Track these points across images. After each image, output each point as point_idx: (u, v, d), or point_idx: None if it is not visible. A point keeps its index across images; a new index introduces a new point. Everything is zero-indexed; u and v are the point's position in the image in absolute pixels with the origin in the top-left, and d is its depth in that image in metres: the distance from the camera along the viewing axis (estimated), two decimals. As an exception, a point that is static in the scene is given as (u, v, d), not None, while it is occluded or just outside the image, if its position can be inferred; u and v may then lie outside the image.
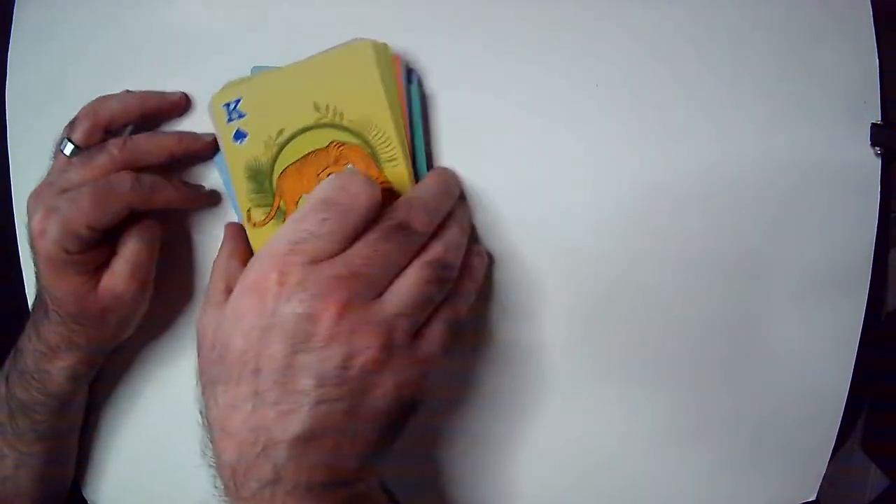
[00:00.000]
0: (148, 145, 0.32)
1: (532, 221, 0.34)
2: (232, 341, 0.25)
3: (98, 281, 0.32)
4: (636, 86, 0.33)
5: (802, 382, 0.35)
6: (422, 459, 0.36)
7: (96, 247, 0.31)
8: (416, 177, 0.31)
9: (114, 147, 0.32)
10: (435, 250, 0.27)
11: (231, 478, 0.25)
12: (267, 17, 0.35)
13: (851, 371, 0.34)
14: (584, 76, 0.33)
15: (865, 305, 0.34)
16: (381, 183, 0.30)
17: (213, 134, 0.33)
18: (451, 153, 0.33)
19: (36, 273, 0.32)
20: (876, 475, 0.37)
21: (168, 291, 0.36)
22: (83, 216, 0.30)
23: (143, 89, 0.35)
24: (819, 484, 0.35)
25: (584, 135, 0.33)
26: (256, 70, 0.33)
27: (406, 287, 0.26)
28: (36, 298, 0.33)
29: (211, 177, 0.36)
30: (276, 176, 0.31)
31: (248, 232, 0.32)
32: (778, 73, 0.33)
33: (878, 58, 0.33)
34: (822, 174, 0.33)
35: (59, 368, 0.33)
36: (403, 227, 0.26)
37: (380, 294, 0.26)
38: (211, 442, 0.26)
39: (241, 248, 0.32)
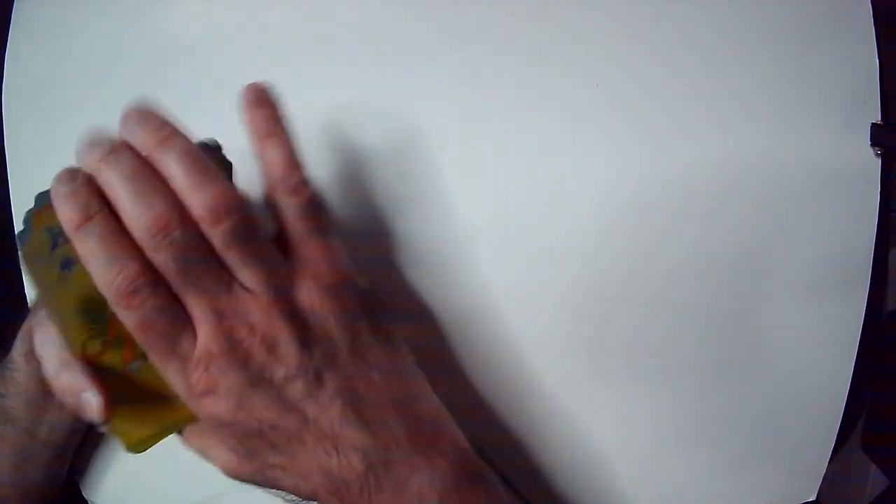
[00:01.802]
0: None
1: (532, 222, 0.34)
2: None
3: None
4: (636, 86, 0.33)
5: (802, 382, 0.35)
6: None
7: None
8: None
9: None
10: None
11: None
12: (267, 17, 0.35)
13: (851, 371, 0.34)
14: (583, 76, 0.33)
15: (865, 305, 0.34)
16: None
17: None
18: (450, 153, 0.33)
19: None
20: (876, 475, 0.37)
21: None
22: None
23: (140, 90, 0.35)
24: (819, 484, 0.35)
25: (584, 135, 0.33)
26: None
27: None
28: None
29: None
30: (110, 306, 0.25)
31: (76, 364, 0.26)
32: (778, 73, 0.33)
33: (878, 58, 0.33)
34: (822, 174, 0.33)
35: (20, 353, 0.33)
36: None
37: None
38: None
39: None
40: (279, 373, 0.24)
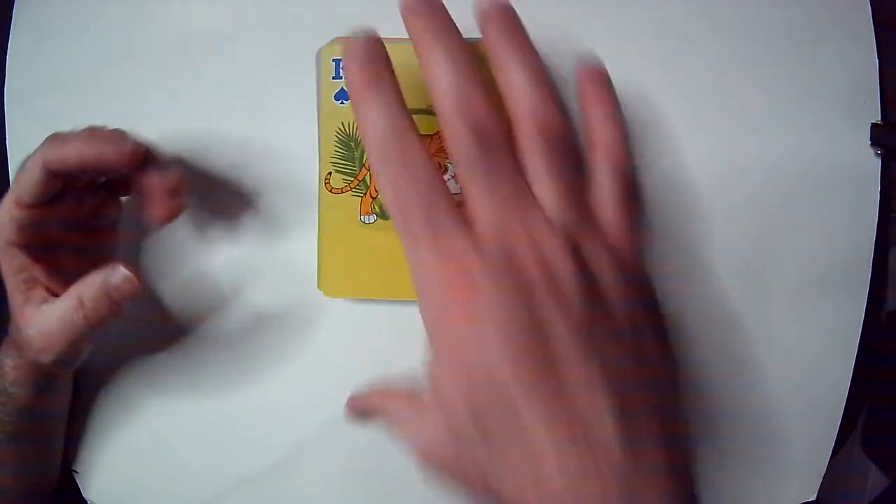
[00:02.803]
0: (66, 141, 0.28)
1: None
2: None
3: (28, 298, 0.30)
4: (636, 86, 0.33)
5: (802, 382, 0.35)
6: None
7: (37, 260, 0.30)
8: None
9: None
10: None
11: None
12: (267, 16, 0.35)
13: (851, 371, 0.34)
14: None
15: (865, 305, 0.34)
16: None
17: (141, 144, 0.30)
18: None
19: None
20: (876, 475, 0.37)
21: (168, 288, 0.36)
22: (10, 194, 0.29)
23: (142, 89, 0.35)
24: (819, 484, 0.35)
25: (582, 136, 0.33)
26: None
27: None
28: None
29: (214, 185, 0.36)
30: None
31: (320, 195, 0.31)
32: (778, 73, 0.33)
33: (878, 58, 0.33)
34: (822, 174, 0.33)
35: (11, 367, 0.31)
36: None
37: None
38: None
39: None
40: (557, 318, 0.19)
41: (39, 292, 0.30)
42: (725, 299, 0.34)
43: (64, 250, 0.32)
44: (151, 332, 0.37)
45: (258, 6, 0.35)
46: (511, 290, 0.19)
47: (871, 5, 0.33)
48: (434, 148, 0.30)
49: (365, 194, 0.30)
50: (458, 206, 0.21)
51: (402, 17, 0.24)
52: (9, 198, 0.29)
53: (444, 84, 0.21)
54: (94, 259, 0.32)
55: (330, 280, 0.31)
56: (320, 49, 0.30)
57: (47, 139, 0.29)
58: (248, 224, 0.36)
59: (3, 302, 0.31)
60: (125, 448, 0.38)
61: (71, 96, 0.37)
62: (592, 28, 0.33)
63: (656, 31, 0.33)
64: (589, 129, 0.26)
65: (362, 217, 0.31)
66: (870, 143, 0.33)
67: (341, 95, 0.30)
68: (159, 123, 0.36)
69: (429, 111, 0.29)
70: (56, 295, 0.30)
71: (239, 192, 0.36)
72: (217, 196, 0.36)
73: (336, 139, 0.30)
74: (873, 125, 0.33)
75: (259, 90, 0.35)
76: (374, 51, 0.23)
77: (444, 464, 0.21)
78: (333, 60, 0.30)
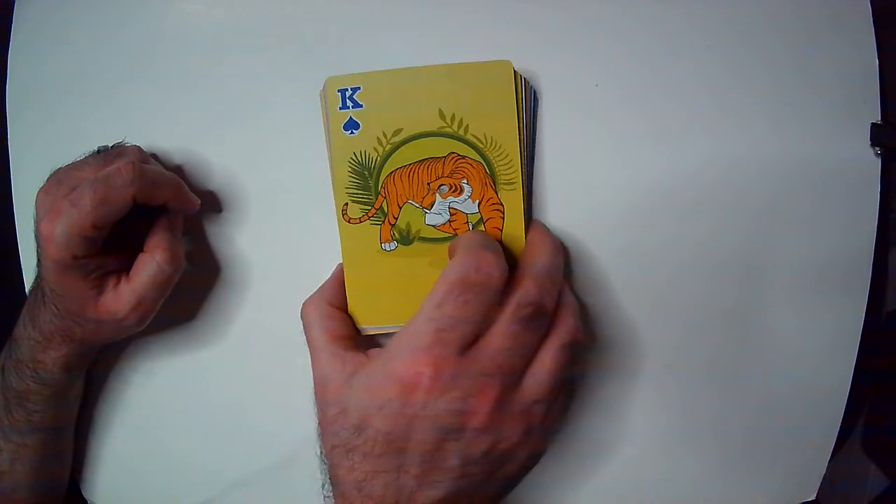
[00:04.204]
0: (155, 182, 0.31)
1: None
2: (373, 421, 0.26)
3: (104, 288, 0.32)
4: (636, 86, 0.33)
5: (803, 382, 0.35)
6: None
7: (106, 253, 0.31)
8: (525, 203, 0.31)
9: (133, 156, 0.32)
10: (568, 331, 0.28)
11: None
12: (267, 19, 0.35)
13: (851, 371, 0.34)
14: (583, 76, 0.33)
15: (865, 305, 0.34)
16: (493, 205, 0.30)
17: (196, 199, 0.33)
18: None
19: (38, 266, 0.32)
20: (876, 475, 0.37)
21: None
22: (87, 217, 0.29)
23: (142, 89, 0.35)
24: (819, 484, 0.35)
25: (583, 135, 0.33)
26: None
27: (545, 373, 0.27)
28: (34, 286, 0.33)
29: (212, 182, 0.36)
30: (383, 175, 0.30)
31: (339, 226, 0.31)
32: (778, 74, 0.33)
33: (878, 58, 0.33)
34: (822, 174, 0.33)
35: (54, 358, 0.33)
36: (538, 312, 0.27)
37: (520, 380, 0.27)
38: (341, 497, 0.27)
39: (340, 293, 0.31)
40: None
41: (110, 279, 0.32)
42: (725, 299, 0.34)
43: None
44: (152, 332, 0.37)
45: (259, 8, 0.35)
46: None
47: (871, 5, 0.33)
48: (448, 170, 0.30)
49: (383, 222, 0.31)
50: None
51: None
52: (83, 219, 0.29)
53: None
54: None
55: (360, 312, 0.31)
56: (326, 80, 0.30)
57: (129, 169, 0.30)
58: (246, 225, 0.36)
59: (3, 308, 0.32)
60: (125, 448, 0.38)
61: (71, 97, 0.37)
62: (591, 30, 0.33)
63: (657, 32, 0.33)
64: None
65: (383, 244, 0.31)
66: (870, 143, 0.33)
67: (351, 125, 0.30)
68: (159, 123, 0.36)
69: (429, 134, 0.30)
70: (119, 272, 0.33)
71: (232, 192, 0.36)
72: (210, 197, 0.36)
73: (350, 169, 0.30)
74: (873, 125, 0.33)
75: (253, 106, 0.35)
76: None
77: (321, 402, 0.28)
78: (339, 91, 0.30)
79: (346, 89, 0.30)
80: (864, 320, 0.34)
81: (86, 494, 0.39)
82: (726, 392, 0.35)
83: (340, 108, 0.30)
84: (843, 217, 0.34)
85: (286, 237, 0.36)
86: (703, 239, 0.34)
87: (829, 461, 0.35)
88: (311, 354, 0.29)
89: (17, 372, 0.33)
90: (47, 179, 0.32)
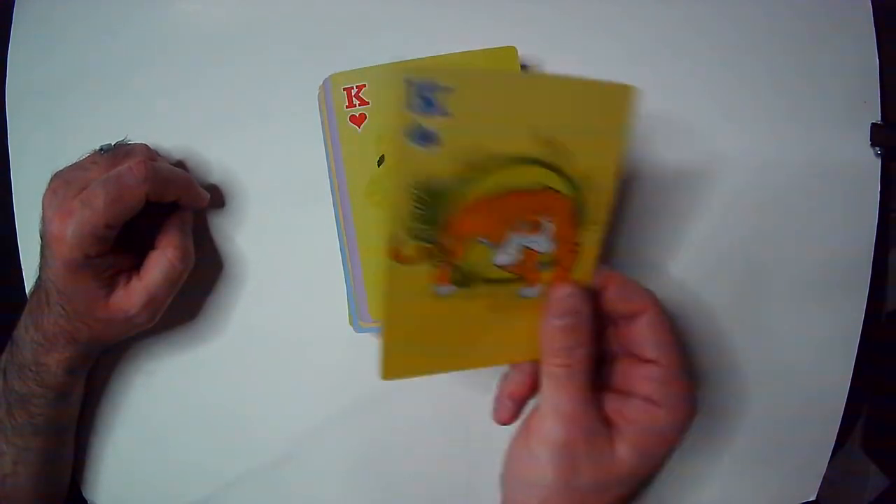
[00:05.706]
0: (167, 180, 0.32)
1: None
2: None
3: (114, 286, 0.32)
4: (638, 86, 0.33)
5: (803, 382, 0.35)
6: (422, 456, 0.36)
7: (116, 252, 0.31)
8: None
9: (142, 154, 0.32)
10: None
11: None
12: (266, 18, 0.35)
13: (851, 371, 0.34)
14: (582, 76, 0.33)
15: (865, 305, 0.34)
16: (572, 246, 0.25)
17: (206, 194, 0.33)
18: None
19: (42, 268, 0.32)
20: (876, 475, 0.37)
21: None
22: (100, 216, 0.29)
23: (142, 89, 0.35)
24: (819, 484, 0.35)
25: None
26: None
27: None
28: (36, 288, 0.33)
29: (213, 177, 0.36)
30: (457, 206, 0.23)
31: (383, 263, 0.23)
32: (778, 74, 0.33)
33: (878, 58, 0.33)
34: (822, 174, 0.33)
35: (57, 361, 0.33)
36: None
37: None
38: None
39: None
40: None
41: (120, 278, 0.32)
42: (726, 300, 0.34)
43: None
44: (152, 333, 0.37)
45: (258, 7, 0.35)
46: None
47: (872, 5, 0.33)
48: (539, 206, 0.24)
49: (443, 261, 0.24)
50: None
51: None
52: (96, 219, 0.29)
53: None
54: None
55: (394, 366, 0.25)
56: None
57: (141, 167, 0.30)
58: (243, 226, 0.36)
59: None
60: (126, 449, 0.38)
61: (71, 96, 0.37)
62: (591, 31, 0.33)
63: (657, 33, 0.33)
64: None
65: (437, 287, 0.24)
66: (870, 143, 0.33)
67: (424, 137, 0.22)
68: (159, 122, 0.36)
69: (522, 160, 0.23)
70: (129, 270, 0.33)
71: (232, 192, 0.36)
72: (210, 197, 0.36)
73: (415, 193, 0.22)
74: (873, 125, 0.33)
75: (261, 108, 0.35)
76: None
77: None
78: (413, 84, 0.21)
79: (424, 85, 0.21)
80: (864, 320, 0.34)
81: (86, 495, 0.39)
82: (725, 392, 0.35)
83: (413, 110, 0.21)
84: (844, 217, 0.34)
85: (286, 237, 0.36)
86: (701, 238, 0.34)
87: (829, 461, 0.35)
88: None
89: (20, 375, 0.33)
90: (52, 180, 0.32)
